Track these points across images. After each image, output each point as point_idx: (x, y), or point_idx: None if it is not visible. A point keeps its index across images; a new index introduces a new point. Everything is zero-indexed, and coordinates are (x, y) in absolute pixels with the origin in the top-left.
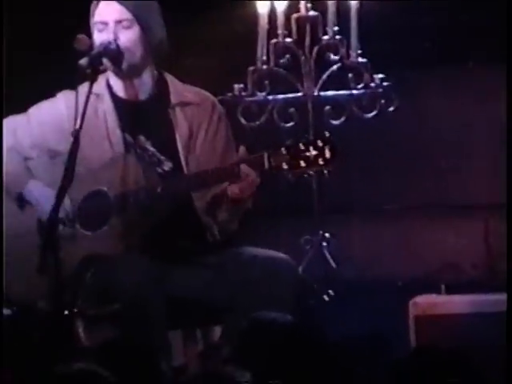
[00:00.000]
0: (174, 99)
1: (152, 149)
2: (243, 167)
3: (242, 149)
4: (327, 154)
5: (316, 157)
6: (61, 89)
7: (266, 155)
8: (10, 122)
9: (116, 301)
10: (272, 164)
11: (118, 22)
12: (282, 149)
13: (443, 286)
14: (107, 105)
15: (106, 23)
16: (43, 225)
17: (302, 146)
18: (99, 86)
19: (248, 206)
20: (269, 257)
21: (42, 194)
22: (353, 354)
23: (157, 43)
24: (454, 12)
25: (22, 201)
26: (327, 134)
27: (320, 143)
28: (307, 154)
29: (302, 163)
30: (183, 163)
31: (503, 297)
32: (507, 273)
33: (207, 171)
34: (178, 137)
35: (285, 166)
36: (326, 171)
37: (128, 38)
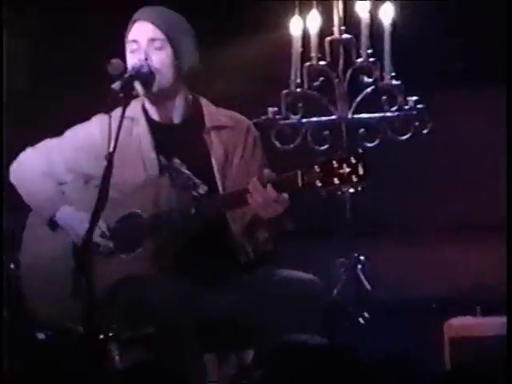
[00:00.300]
0: (208, 123)
1: (187, 172)
2: (269, 188)
3: (266, 171)
4: (360, 171)
5: (349, 174)
6: (95, 112)
7: (299, 173)
8: (44, 146)
9: (149, 323)
10: (305, 181)
11: (151, 40)
12: (316, 166)
13: (478, 308)
14: (142, 128)
15: (138, 42)
16: (78, 249)
17: (335, 163)
18: (135, 109)
19: (286, 226)
20: (298, 278)
21: (74, 218)
22: (387, 376)
23: (189, 66)
24: (486, 31)
25: (53, 225)
26: (360, 150)
27: (353, 160)
28: (340, 171)
29: (336, 180)
30: (219, 187)
31: None
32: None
33: (239, 191)
34: (213, 160)
35: (318, 184)
36: (359, 188)
37: (160, 59)
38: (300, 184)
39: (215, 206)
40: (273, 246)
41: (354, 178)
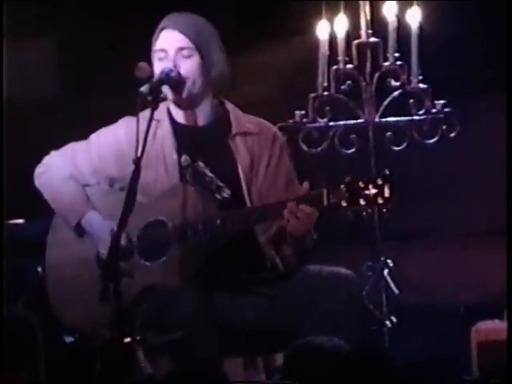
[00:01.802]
0: (235, 128)
1: (211, 175)
2: (304, 206)
3: (305, 184)
4: (386, 193)
5: (375, 195)
6: (122, 115)
7: (325, 192)
8: (69, 148)
9: (172, 331)
10: (331, 201)
11: (179, 50)
12: (342, 186)
13: (506, 312)
14: (166, 129)
15: (166, 51)
16: (102, 256)
17: (361, 184)
18: (160, 111)
19: (310, 241)
20: (333, 272)
21: (100, 225)
22: (414, 380)
23: (217, 73)
24: None
25: (80, 230)
26: (387, 171)
27: (380, 181)
28: (366, 192)
29: (362, 201)
30: (245, 194)
31: None
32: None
33: (265, 206)
34: (239, 166)
35: (344, 204)
36: (384, 210)
37: (188, 67)
38: (325, 203)
39: (242, 220)
40: (298, 261)
41: (380, 200)
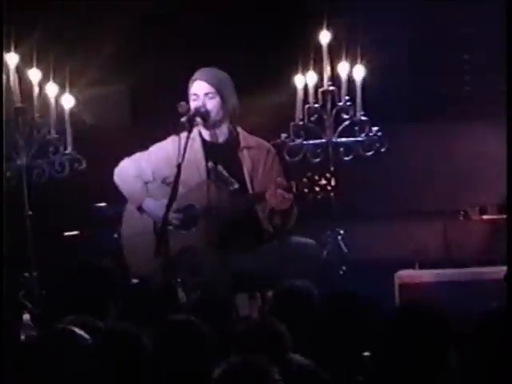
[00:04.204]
0: (242, 144)
1: (226, 174)
2: (280, 190)
3: (279, 179)
4: (333, 183)
5: (325, 184)
6: (170, 135)
7: (293, 183)
8: (136, 156)
9: (202, 276)
10: (298, 189)
11: (206, 94)
12: (304, 179)
13: (417, 264)
14: (197, 144)
15: (197, 95)
16: (157, 225)
17: (316, 177)
18: (194, 132)
19: (293, 216)
20: (301, 241)
21: (154, 206)
22: (355, 310)
23: (231, 106)
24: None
25: (141, 210)
26: (332, 168)
27: (328, 175)
28: (320, 182)
29: (317, 188)
30: (249, 186)
31: (456, 271)
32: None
33: (255, 193)
34: (245, 169)
35: (306, 190)
36: (332, 194)
37: (212, 104)
38: (294, 190)
39: (243, 203)
40: (290, 227)
41: (329, 187)
